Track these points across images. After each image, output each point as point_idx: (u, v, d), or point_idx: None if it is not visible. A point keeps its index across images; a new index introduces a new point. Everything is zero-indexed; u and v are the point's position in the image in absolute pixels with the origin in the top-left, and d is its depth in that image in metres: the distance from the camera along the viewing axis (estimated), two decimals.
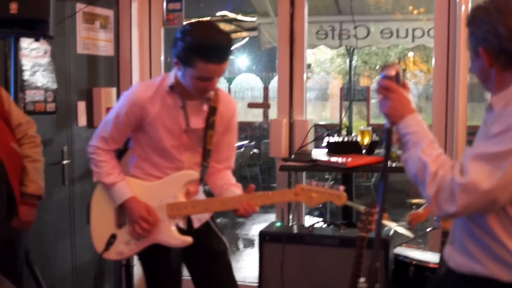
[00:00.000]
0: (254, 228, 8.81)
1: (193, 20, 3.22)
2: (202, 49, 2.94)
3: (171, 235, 3.20)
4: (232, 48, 3.09)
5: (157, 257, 3.28)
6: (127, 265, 4.82)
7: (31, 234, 3.79)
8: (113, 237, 3.23)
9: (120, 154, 3.45)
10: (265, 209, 10.01)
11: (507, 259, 2.10)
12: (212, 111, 3.23)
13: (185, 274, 3.49)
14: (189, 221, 3.32)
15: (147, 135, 3.22)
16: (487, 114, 2.14)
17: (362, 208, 3.60)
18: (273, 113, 13.36)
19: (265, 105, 7.04)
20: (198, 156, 3.27)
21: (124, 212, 3.26)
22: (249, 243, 8.32)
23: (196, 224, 3.34)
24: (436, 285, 2.30)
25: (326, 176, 9.55)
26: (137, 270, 5.21)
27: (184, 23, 5.34)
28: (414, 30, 8.36)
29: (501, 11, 2.04)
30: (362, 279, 2.10)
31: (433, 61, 4.52)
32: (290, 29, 4.80)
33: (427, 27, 8.21)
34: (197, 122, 3.22)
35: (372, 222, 3.27)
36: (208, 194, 3.42)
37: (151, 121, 3.17)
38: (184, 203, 3.19)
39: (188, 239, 3.19)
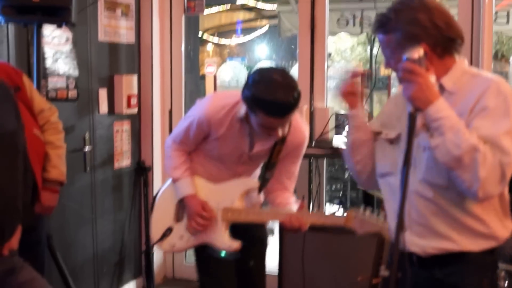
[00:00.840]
0: None
1: (264, 67, 3.16)
2: (263, 104, 2.90)
3: (221, 238, 3.24)
4: (299, 103, 2.97)
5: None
6: (147, 252, 4.86)
7: (53, 220, 3.82)
8: (169, 230, 3.29)
9: None
10: None
11: (478, 229, 2.22)
12: (282, 140, 3.18)
13: None
14: None
15: (208, 146, 3.27)
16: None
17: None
18: None
19: None
20: (257, 170, 3.35)
21: (183, 208, 3.31)
22: (268, 231, 8.28)
23: None
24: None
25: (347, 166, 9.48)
26: (157, 256, 5.24)
27: (205, 11, 5.34)
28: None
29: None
30: (383, 267, 2.07)
31: None
32: (311, 16, 4.77)
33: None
34: (261, 149, 3.22)
35: None
36: None
37: (214, 139, 3.21)
38: (239, 209, 3.23)
39: (234, 245, 3.22)
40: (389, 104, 2.65)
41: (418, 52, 2.09)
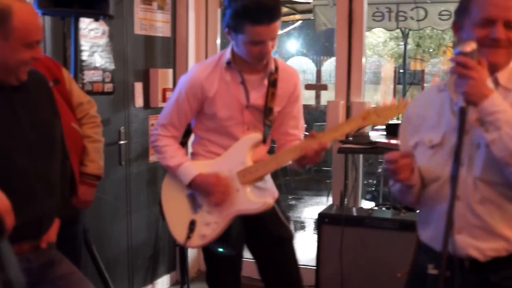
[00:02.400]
0: (306, 211, 8.77)
1: None
2: (248, 12, 2.90)
3: (250, 201, 3.12)
4: (281, 9, 3.03)
5: (217, 241, 3.20)
6: (181, 246, 4.84)
7: (89, 213, 3.82)
8: (192, 223, 3.16)
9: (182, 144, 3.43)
10: (316, 191, 10.00)
11: None
12: (273, 83, 3.17)
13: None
14: None
15: (208, 116, 3.19)
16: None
17: None
18: (324, 96, 13.28)
19: (322, 87, 7.00)
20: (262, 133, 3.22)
21: (195, 196, 3.22)
22: (301, 225, 8.28)
23: None
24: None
25: (380, 160, 9.44)
26: (191, 250, 5.23)
27: None
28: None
29: None
30: (431, 265, 2.01)
31: None
32: (349, 10, 4.72)
33: None
34: (257, 97, 3.17)
35: None
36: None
37: (211, 101, 3.14)
38: (254, 165, 3.12)
39: (269, 201, 3.13)
40: (414, 108, 2.50)
41: (470, 46, 2.02)
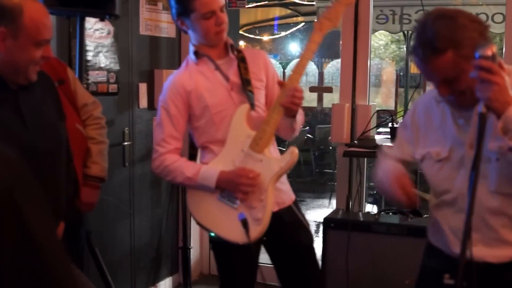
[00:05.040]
0: (308, 214, 8.73)
1: None
2: None
3: (278, 160, 3.09)
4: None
5: (232, 248, 3.10)
6: (184, 248, 4.82)
7: (92, 214, 3.79)
8: (244, 221, 2.94)
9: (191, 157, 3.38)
10: (319, 193, 9.96)
11: None
12: (242, 60, 3.17)
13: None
14: None
15: (198, 113, 3.14)
16: None
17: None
18: (326, 99, 13.25)
19: (327, 89, 6.96)
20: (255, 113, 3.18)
21: (226, 194, 3.09)
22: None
23: (275, 207, 3.14)
24: None
25: None
26: (194, 252, 5.21)
27: (247, 6, 5.28)
28: (477, 15, 8.13)
29: None
30: (447, 275, 1.97)
31: (503, 48, 4.35)
32: (355, 12, 4.68)
33: (491, 12, 7.97)
34: (233, 75, 3.16)
35: None
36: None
37: (195, 93, 3.11)
38: (259, 132, 3.06)
39: (294, 149, 3.04)
40: (416, 116, 2.47)
41: (491, 49, 1.93)
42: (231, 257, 3.18)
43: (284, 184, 3.27)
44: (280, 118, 3.02)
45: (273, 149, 3.21)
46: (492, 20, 7.90)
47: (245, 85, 3.13)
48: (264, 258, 3.36)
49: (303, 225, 3.27)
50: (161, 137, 3.13)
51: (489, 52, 1.93)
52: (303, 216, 3.30)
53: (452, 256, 2.27)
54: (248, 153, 3.06)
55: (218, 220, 3.12)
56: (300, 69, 3.06)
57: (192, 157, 3.37)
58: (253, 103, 3.13)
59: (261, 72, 3.24)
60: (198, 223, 3.21)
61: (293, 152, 3.03)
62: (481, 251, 2.17)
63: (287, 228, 3.20)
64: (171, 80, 3.17)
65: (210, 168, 3.10)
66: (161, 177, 3.24)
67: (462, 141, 2.26)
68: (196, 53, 3.14)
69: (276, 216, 3.09)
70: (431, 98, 2.40)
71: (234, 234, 3.04)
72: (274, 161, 3.07)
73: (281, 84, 3.04)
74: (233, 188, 3.04)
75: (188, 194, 3.23)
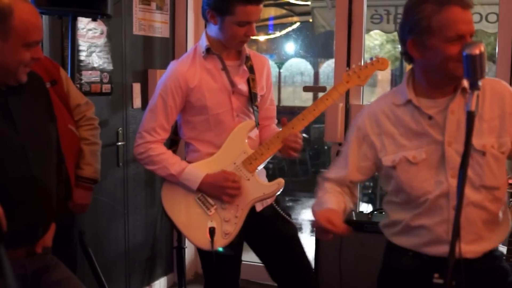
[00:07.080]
0: (303, 213, 8.73)
1: None
2: None
3: (264, 185, 3.16)
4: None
5: None
6: (179, 248, 4.81)
7: (86, 215, 3.78)
8: (212, 229, 3.06)
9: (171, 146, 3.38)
10: (314, 193, 9.93)
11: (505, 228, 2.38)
12: (250, 69, 3.19)
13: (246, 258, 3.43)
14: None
15: (198, 109, 3.14)
16: None
17: None
18: None
19: (320, 89, 6.96)
20: (252, 118, 3.22)
21: (205, 197, 3.13)
22: (298, 228, 8.22)
23: (259, 207, 3.23)
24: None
25: None
26: (188, 252, 5.20)
27: None
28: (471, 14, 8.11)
29: None
30: (436, 275, 1.97)
31: (497, 48, 4.35)
32: (349, 12, 4.68)
33: (485, 12, 7.96)
34: (241, 83, 3.16)
35: None
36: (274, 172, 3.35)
37: (196, 90, 3.11)
38: (257, 151, 3.12)
39: (281, 180, 3.14)
40: (371, 126, 2.46)
41: (479, 48, 1.95)
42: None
43: (262, 176, 3.32)
44: (279, 148, 3.10)
45: (261, 172, 3.27)
46: (486, 19, 7.88)
47: (253, 100, 3.18)
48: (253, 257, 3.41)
49: (285, 219, 3.33)
50: (151, 126, 3.15)
51: (476, 51, 1.94)
52: (286, 212, 3.35)
53: (429, 255, 2.34)
54: (239, 168, 3.12)
55: (188, 222, 3.16)
56: (310, 117, 3.08)
57: (174, 143, 3.37)
58: (257, 122, 3.20)
59: (263, 80, 3.28)
60: (168, 217, 3.22)
61: (280, 183, 3.13)
62: (462, 248, 2.18)
63: (269, 222, 3.26)
64: (176, 69, 3.14)
65: (196, 169, 3.13)
66: (141, 163, 3.25)
67: (438, 140, 2.29)
68: (208, 50, 3.12)
69: (258, 215, 3.20)
70: (389, 104, 2.42)
71: (200, 239, 3.12)
72: (260, 186, 3.14)
73: (285, 122, 3.10)
74: (217, 191, 3.09)
75: (164, 187, 3.23)
